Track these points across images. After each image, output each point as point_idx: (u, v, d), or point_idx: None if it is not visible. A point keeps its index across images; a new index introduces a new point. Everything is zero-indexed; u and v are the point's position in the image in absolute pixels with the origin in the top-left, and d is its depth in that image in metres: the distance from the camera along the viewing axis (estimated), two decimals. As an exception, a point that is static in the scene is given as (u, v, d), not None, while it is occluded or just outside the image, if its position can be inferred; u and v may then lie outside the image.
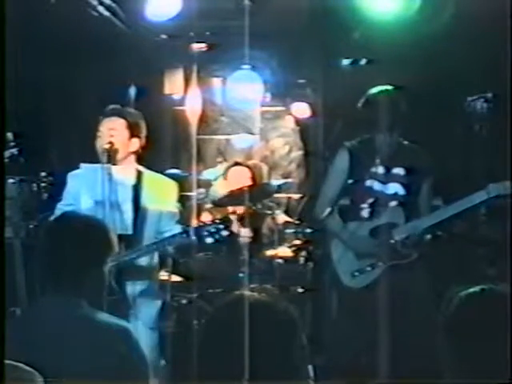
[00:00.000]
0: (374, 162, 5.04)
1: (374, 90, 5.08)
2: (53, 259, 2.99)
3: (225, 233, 4.58)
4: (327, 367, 5.03)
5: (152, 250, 4.69)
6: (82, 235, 3.02)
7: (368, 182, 5.04)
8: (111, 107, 4.91)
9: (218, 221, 4.62)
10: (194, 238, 4.56)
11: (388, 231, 4.98)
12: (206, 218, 6.30)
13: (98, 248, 3.03)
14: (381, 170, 5.05)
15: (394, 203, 5.04)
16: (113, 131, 4.77)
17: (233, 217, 5.81)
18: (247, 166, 6.80)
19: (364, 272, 4.98)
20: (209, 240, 4.59)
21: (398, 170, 5.06)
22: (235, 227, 5.63)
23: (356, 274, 5.00)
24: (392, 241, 4.95)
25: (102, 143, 4.73)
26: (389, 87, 5.08)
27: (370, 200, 5.03)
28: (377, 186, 5.04)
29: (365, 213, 5.04)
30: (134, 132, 4.82)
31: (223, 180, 6.72)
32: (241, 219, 5.93)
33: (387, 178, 5.05)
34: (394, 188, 5.05)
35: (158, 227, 4.79)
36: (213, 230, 4.58)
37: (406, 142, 5.11)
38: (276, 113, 8.35)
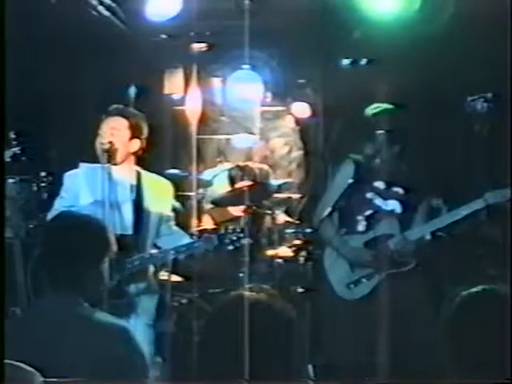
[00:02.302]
0: (377, 177, 5.07)
1: (375, 110, 5.09)
2: (51, 259, 3.00)
3: (245, 240, 4.69)
4: (327, 367, 5.04)
5: (169, 256, 4.70)
6: (79, 234, 3.02)
7: (369, 195, 5.06)
8: (114, 106, 4.89)
9: (238, 229, 4.73)
10: (216, 245, 4.69)
11: (384, 242, 4.99)
12: (207, 218, 6.32)
13: (95, 247, 3.03)
14: (382, 185, 5.08)
15: (390, 217, 5.06)
16: (114, 131, 4.76)
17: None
18: (254, 176, 6.83)
19: (359, 283, 5.00)
20: (230, 247, 4.76)
21: (398, 189, 5.08)
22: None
23: (351, 286, 5.02)
24: (389, 252, 4.97)
25: (102, 142, 4.71)
26: (390, 106, 5.09)
27: (368, 213, 5.05)
28: (377, 200, 5.06)
29: (361, 226, 5.07)
30: (135, 133, 4.81)
31: (228, 185, 6.73)
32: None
33: (387, 195, 5.07)
34: (393, 205, 5.07)
35: (158, 229, 4.80)
36: (234, 238, 4.68)
37: (406, 165, 5.13)
38: (276, 113, 8.34)
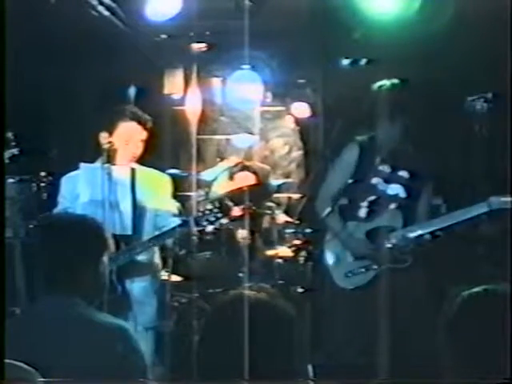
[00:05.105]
0: (381, 159, 5.04)
1: (381, 83, 5.07)
2: (49, 259, 3.00)
3: (224, 221, 4.63)
4: (327, 367, 5.04)
5: (153, 245, 4.71)
6: (76, 235, 3.02)
7: (373, 180, 5.04)
8: (131, 110, 4.91)
9: (216, 209, 4.64)
10: (194, 227, 4.61)
11: (385, 235, 4.98)
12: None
13: (93, 247, 3.03)
14: (387, 168, 5.05)
15: (393, 205, 5.03)
16: (133, 136, 4.80)
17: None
18: (254, 172, 6.82)
19: (357, 273, 5.00)
20: (209, 228, 4.68)
21: (403, 173, 5.06)
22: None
23: (349, 274, 5.02)
24: (389, 245, 4.95)
25: (110, 141, 4.72)
26: (395, 81, 5.07)
27: (371, 198, 5.03)
28: (381, 184, 5.03)
29: (362, 212, 5.04)
30: (145, 137, 4.87)
31: (228, 181, 6.73)
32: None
33: (391, 178, 5.04)
34: (396, 189, 5.04)
35: (155, 222, 4.80)
36: (212, 218, 4.62)
37: (411, 147, 5.11)
38: (276, 113, 8.37)
